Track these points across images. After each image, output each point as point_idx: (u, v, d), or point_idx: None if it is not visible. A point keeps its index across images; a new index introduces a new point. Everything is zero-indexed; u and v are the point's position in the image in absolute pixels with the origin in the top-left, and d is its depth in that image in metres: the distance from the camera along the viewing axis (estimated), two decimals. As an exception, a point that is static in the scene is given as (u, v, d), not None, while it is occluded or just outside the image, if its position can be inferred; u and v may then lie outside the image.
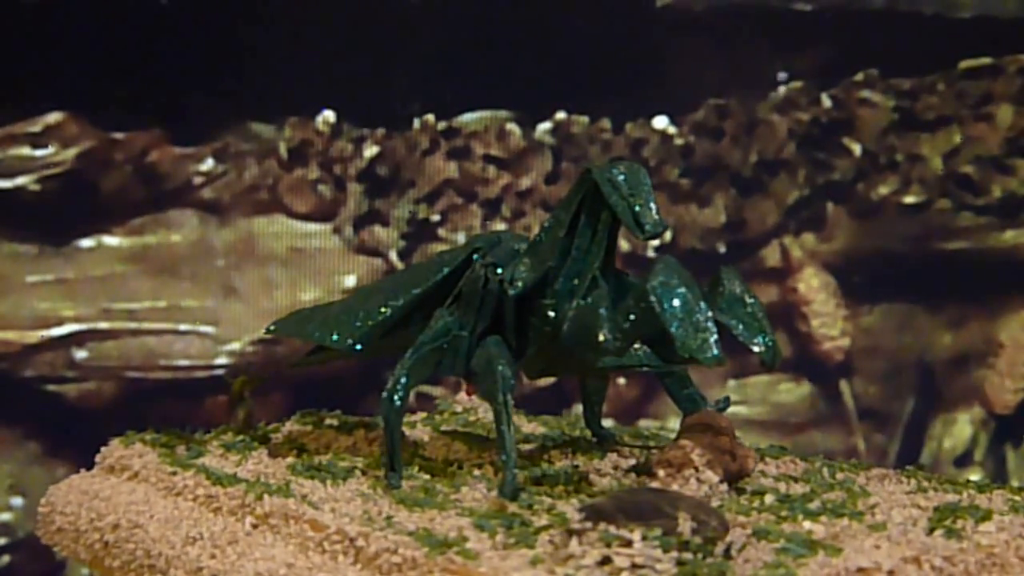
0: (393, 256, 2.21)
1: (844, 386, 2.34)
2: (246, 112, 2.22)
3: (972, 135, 2.34)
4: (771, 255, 2.33)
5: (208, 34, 2.14)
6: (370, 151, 2.22)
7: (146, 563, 0.90)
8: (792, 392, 2.33)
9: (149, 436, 1.07)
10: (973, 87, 2.34)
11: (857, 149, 2.33)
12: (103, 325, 2.17)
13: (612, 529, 0.72)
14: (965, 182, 2.34)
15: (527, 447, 1.03)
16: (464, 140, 2.25)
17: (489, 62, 2.18)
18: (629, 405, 2.23)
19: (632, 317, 0.83)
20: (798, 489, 0.91)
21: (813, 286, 2.33)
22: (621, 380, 2.21)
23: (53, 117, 2.17)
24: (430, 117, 2.23)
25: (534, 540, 0.77)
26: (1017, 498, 0.90)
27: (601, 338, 0.83)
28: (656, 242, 2.15)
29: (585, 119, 2.27)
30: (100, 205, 2.19)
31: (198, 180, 2.21)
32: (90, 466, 1.06)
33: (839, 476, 0.96)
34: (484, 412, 1.19)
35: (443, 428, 1.10)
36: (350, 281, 2.21)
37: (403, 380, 0.92)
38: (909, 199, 2.34)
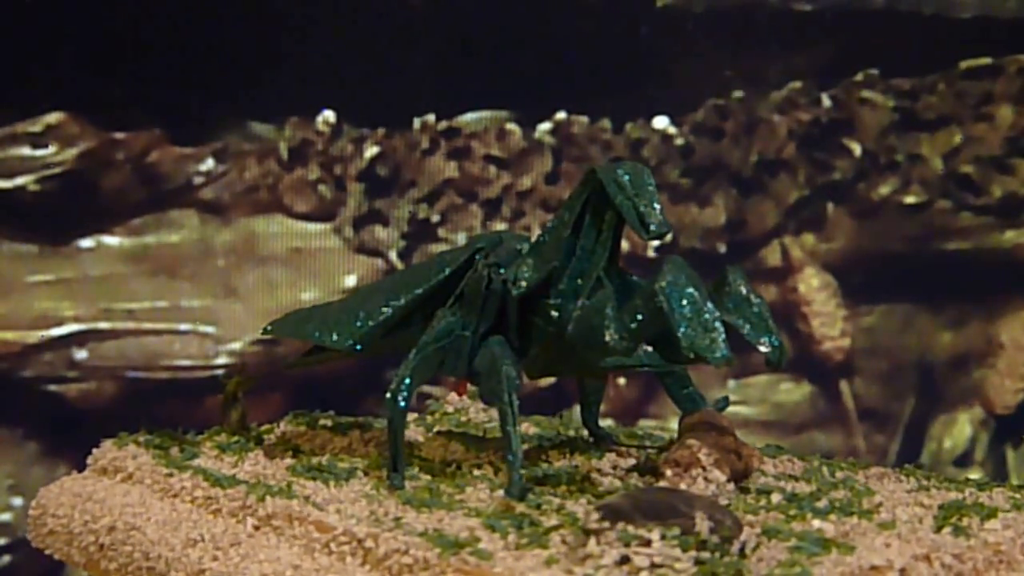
0: (393, 256, 2.21)
1: (844, 386, 2.34)
2: (246, 112, 2.22)
3: (972, 135, 2.34)
4: (771, 255, 2.33)
5: (208, 34, 2.14)
6: (370, 151, 2.22)
7: (145, 565, 0.89)
8: (792, 392, 2.33)
9: (142, 437, 1.06)
10: (973, 87, 2.34)
11: (857, 149, 2.33)
12: (103, 325, 2.17)
13: (631, 529, 0.72)
14: (965, 182, 2.34)
15: (524, 447, 1.03)
16: (464, 140, 2.25)
17: (489, 62, 2.18)
18: (629, 405, 2.23)
19: (640, 317, 0.83)
20: (804, 488, 0.91)
21: (813, 286, 2.33)
22: (621, 380, 2.21)
23: (53, 117, 2.17)
24: (430, 117, 2.23)
25: (547, 540, 0.77)
26: (1018, 496, 0.91)
27: (608, 338, 0.83)
28: (656, 242, 2.15)
29: (585, 119, 2.27)
30: (100, 205, 2.19)
31: (198, 180, 2.21)
32: (90, 467, 1.05)
33: (839, 475, 0.96)
34: (475, 412, 1.19)
35: (436, 429, 1.10)
36: (350, 281, 2.21)
37: (407, 381, 0.91)
38: (909, 199, 2.34)
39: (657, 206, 0.86)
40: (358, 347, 0.97)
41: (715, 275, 0.87)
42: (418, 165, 2.23)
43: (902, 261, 2.34)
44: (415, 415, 1.18)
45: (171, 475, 0.96)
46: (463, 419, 1.16)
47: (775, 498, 0.87)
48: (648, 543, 0.71)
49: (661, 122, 2.29)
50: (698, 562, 0.71)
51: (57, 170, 2.17)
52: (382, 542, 0.78)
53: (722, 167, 2.30)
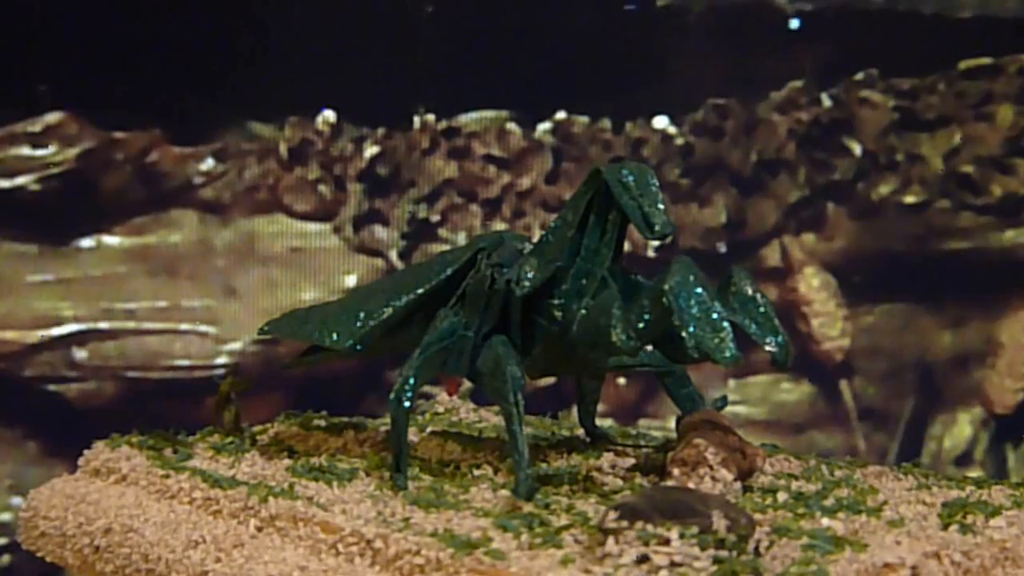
0: (393, 256, 2.21)
1: (844, 386, 2.34)
2: (246, 112, 2.22)
3: (972, 135, 2.34)
4: (771, 255, 2.33)
5: (208, 34, 2.14)
6: (370, 151, 2.22)
7: (144, 567, 0.89)
8: (792, 392, 2.33)
9: (135, 439, 1.05)
10: (973, 87, 2.34)
11: (857, 149, 2.33)
12: (103, 325, 2.17)
13: (649, 528, 0.72)
14: (965, 182, 2.34)
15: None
16: (464, 140, 2.25)
17: (489, 62, 2.18)
18: (628, 405, 2.23)
19: (647, 317, 0.83)
20: (808, 487, 0.92)
21: (813, 286, 2.33)
22: (621, 380, 2.21)
23: (53, 117, 2.17)
24: (430, 117, 2.23)
25: (559, 540, 0.77)
26: (1017, 493, 0.91)
27: (615, 338, 0.83)
28: (656, 242, 2.15)
29: (585, 119, 2.27)
30: (100, 205, 2.19)
31: (198, 180, 2.21)
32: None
33: (838, 473, 0.97)
34: (466, 412, 1.19)
35: (430, 429, 1.10)
36: (350, 281, 2.21)
37: (412, 381, 0.91)
38: (909, 199, 2.34)
39: (661, 206, 0.86)
40: (358, 347, 0.96)
41: (715, 275, 0.87)
42: (418, 165, 2.23)
43: (902, 261, 2.34)
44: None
45: (168, 476, 0.96)
46: (454, 419, 1.16)
47: (781, 496, 0.88)
48: (667, 542, 0.71)
49: (661, 122, 2.29)
50: (716, 561, 0.71)
51: (57, 170, 2.17)
52: (392, 543, 0.78)
53: (722, 167, 2.30)
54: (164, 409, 2.09)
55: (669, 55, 2.27)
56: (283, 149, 2.22)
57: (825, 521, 0.81)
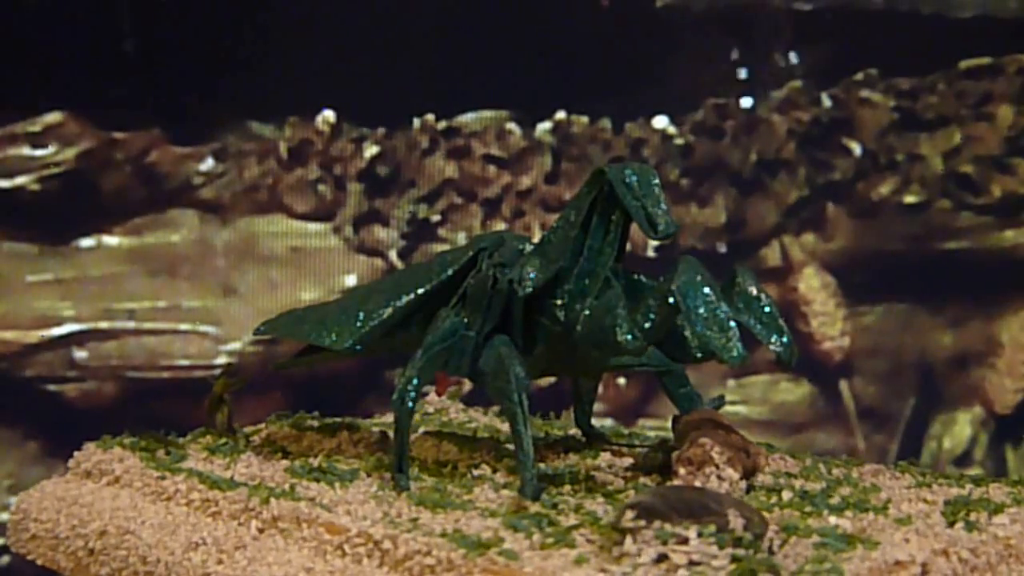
0: (393, 256, 2.21)
1: (844, 386, 2.34)
2: (246, 112, 2.22)
3: (972, 135, 2.34)
4: (771, 255, 2.33)
5: (208, 34, 2.14)
6: (370, 151, 2.22)
7: (142, 570, 0.88)
8: (792, 392, 2.33)
9: (127, 440, 1.05)
10: (973, 87, 2.34)
11: (857, 149, 2.33)
12: (103, 325, 2.17)
13: (667, 527, 0.72)
14: (965, 182, 2.34)
15: (511, 447, 1.03)
16: (464, 140, 2.25)
17: (489, 62, 2.18)
18: (629, 405, 2.23)
19: (653, 316, 0.83)
20: (812, 485, 0.92)
21: (813, 286, 2.33)
22: (621, 380, 2.21)
23: (53, 117, 2.16)
24: (430, 117, 2.23)
25: (571, 539, 0.76)
26: (1015, 490, 0.92)
27: (620, 338, 0.84)
28: (655, 242, 2.15)
29: (585, 119, 2.26)
30: (100, 205, 2.19)
31: (198, 180, 2.21)
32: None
33: (835, 472, 0.97)
34: (455, 413, 1.19)
35: (422, 430, 1.10)
36: (350, 281, 2.21)
37: (415, 381, 0.92)
38: (909, 199, 2.34)
39: (664, 207, 0.86)
40: (358, 347, 0.97)
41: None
42: (418, 165, 2.23)
43: (902, 261, 2.34)
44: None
45: (163, 478, 0.95)
46: (444, 419, 1.17)
47: (786, 495, 0.88)
48: (685, 541, 0.72)
49: (661, 122, 2.29)
50: (734, 559, 0.71)
51: (57, 170, 2.17)
52: (401, 543, 0.78)
53: (722, 167, 2.30)
54: (164, 409, 2.09)
55: (669, 55, 2.27)
56: (283, 149, 2.22)
57: (833, 519, 0.82)
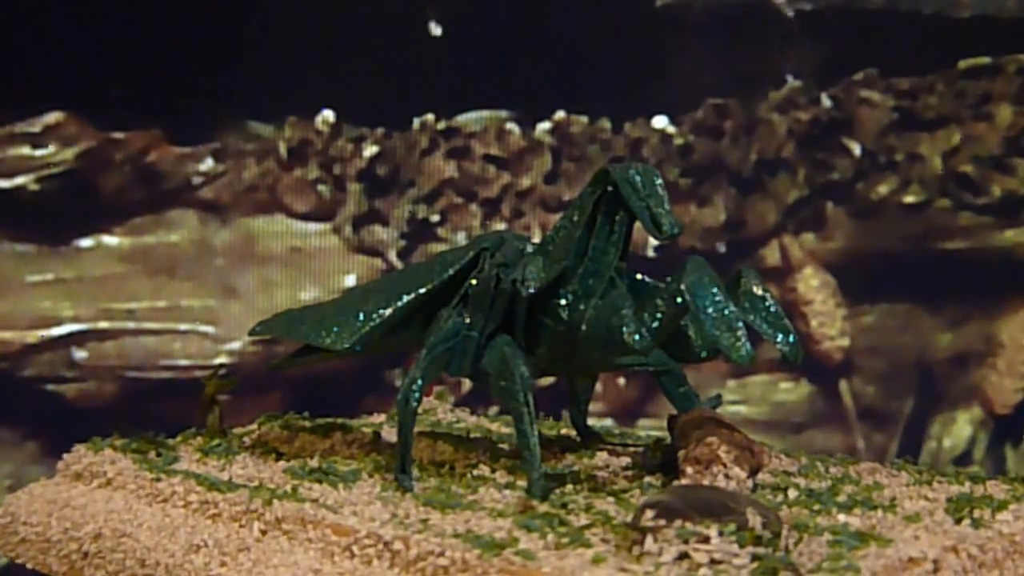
0: (393, 256, 2.21)
1: (843, 386, 2.34)
2: (246, 112, 2.22)
3: (972, 135, 2.34)
4: (771, 255, 2.33)
5: (208, 34, 2.13)
6: (370, 151, 2.22)
7: (140, 572, 0.87)
8: (791, 392, 2.33)
9: (118, 441, 1.04)
10: (973, 87, 2.34)
11: (857, 149, 2.33)
12: (103, 325, 2.17)
13: (688, 526, 0.72)
14: (965, 182, 2.34)
15: (506, 447, 1.02)
16: (464, 140, 2.25)
17: (489, 62, 2.18)
18: (629, 405, 2.23)
19: (660, 316, 0.83)
20: (816, 484, 0.92)
21: (813, 286, 2.33)
22: (621, 380, 2.21)
23: (53, 117, 2.16)
24: (430, 117, 2.23)
25: (586, 539, 0.76)
26: (1013, 487, 0.93)
27: (627, 338, 0.84)
28: (655, 242, 2.15)
29: (584, 119, 2.26)
30: (100, 205, 2.19)
31: (198, 180, 2.21)
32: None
33: (832, 470, 0.97)
34: (444, 413, 1.19)
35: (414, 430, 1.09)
36: (350, 281, 2.21)
37: (419, 382, 0.92)
38: (909, 199, 2.34)
39: (668, 207, 0.87)
40: (358, 348, 0.96)
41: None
42: (418, 165, 2.23)
43: (902, 261, 2.34)
44: (384, 416, 1.17)
45: (158, 480, 0.94)
46: (433, 419, 1.16)
47: (792, 494, 0.88)
48: (707, 539, 0.72)
49: (661, 122, 2.29)
50: (755, 558, 0.71)
51: (56, 170, 2.17)
52: (413, 544, 0.77)
53: (722, 167, 2.30)
54: (164, 409, 2.09)
55: (669, 55, 2.27)
56: (282, 149, 2.22)
57: (842, 517, 0.82)
